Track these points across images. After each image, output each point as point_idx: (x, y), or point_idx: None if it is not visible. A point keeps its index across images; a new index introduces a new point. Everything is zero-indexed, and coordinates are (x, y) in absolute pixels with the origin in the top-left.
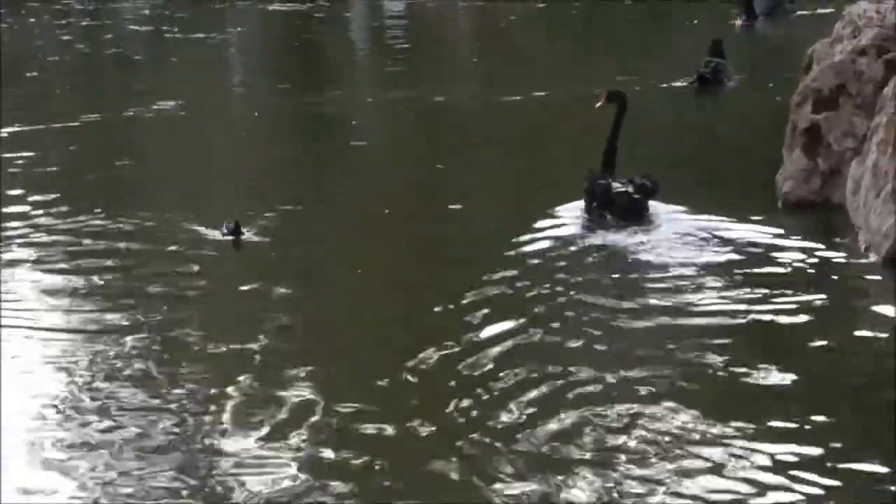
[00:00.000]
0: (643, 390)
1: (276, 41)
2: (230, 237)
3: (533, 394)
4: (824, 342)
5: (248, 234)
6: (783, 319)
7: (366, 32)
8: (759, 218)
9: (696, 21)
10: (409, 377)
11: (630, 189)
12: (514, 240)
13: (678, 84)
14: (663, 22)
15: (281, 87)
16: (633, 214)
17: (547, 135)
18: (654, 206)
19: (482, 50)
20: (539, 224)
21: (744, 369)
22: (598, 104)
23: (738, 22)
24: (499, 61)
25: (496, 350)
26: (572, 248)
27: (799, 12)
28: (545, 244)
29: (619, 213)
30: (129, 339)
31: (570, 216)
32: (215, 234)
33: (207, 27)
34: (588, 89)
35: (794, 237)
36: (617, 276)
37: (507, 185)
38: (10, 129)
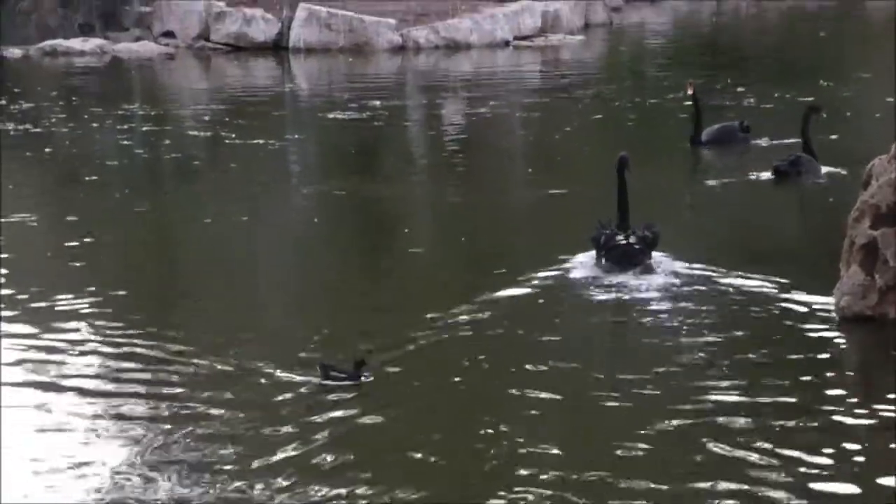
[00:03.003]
0: None
1: (335, 148)
2: (346, 379)
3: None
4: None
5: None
6: (835, 436)
7: (424, 140)
8: (815, 332)
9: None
10: None
11: (632, 240)
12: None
13: (755, 177)
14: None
15: (337, 194)
16: (630, 263)
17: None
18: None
19: (536, 160)
20: (556, 266)
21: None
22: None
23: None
24: (552, 170)
25: None
26: (571, 288)
27: (754, 142)
28: (552, 281)
29: (617, 261)
30: None
31: (581, 261)
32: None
33: (266, 134)
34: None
35: (850, 351)
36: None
37: (543, 244)
38: (64, 230)
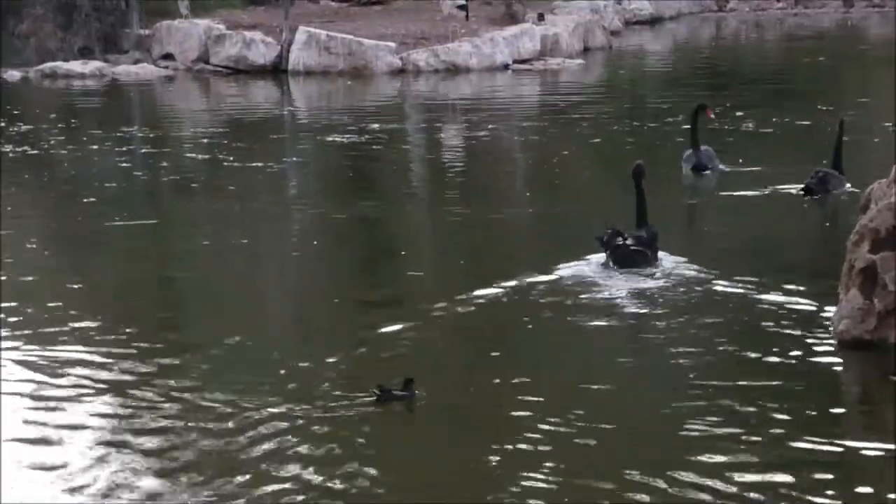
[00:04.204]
0: None
1: (334, 171)
2: (405, 398)
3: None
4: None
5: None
6: (829, 463)
7: (422, 163)
8: (812, 356)
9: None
10: None
11: (629, 241)
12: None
13: (786, 190)
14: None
15: (336, 216)
16: (629, 263)
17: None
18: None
19: (535, 182)
20: (565, 264)
21: None
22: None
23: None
24: (551, 192)
25: None
26: (575, 284)
27: (725, 168)
28: (549, 296)
29: (617, 262)
30: None
31: (591, 262)
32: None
33: (264, 156)
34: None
35: (848, 376)
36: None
37: (542, 261)
38: (61, 252)
